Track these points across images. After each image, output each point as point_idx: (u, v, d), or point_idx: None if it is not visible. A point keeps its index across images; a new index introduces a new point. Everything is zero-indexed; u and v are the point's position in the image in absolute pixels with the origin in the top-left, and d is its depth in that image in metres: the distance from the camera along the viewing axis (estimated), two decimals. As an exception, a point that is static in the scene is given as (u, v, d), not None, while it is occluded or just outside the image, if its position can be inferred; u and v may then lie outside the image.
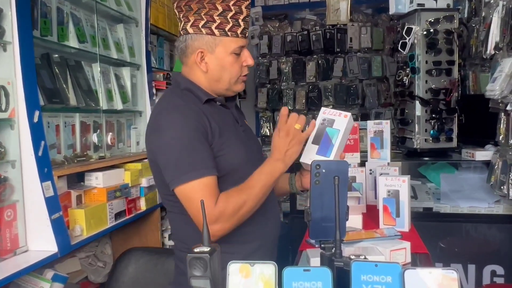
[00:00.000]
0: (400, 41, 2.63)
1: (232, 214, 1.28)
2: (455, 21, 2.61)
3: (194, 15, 1.37)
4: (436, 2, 2.59)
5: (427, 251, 1.51)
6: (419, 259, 1.45)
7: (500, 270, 2.49)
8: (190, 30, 1.37)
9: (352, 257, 0.87)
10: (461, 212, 2.60)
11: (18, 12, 1.54)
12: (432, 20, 2.58)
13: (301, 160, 1.38)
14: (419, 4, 2.57)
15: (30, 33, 1.63)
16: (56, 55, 1.96)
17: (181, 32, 1.40)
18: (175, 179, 1.29)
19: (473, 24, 2.73)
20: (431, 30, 2.57)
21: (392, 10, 2.74)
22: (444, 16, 2.59)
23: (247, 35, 1.41)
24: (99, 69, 2.19)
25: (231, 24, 1.36)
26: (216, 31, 1.36)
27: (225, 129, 1.38)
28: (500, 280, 2.49)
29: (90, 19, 2.19)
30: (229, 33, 1.36)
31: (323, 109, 1.39)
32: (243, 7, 1.38)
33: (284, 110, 1.31)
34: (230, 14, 1.36)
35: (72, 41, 2.04)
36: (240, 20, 1.38)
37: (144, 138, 1.50)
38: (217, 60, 1.38)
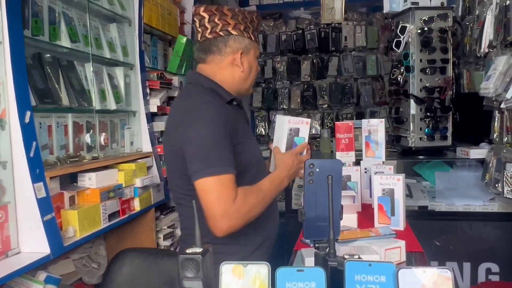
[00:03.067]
0: (395, 40, 2.63)
1: (245, 214, 1.35)
2: (449, 19, 2.62)
3: (232, 19, 1.48)
4: (430, 1, 2.60)
5: (422, 249, 1.51)
6: (414, 258, 1.44)
7: (495, 267, 2.50)
8: (233, 32, 1.49)
9: (346, 256, 0.86)
10: (456, 210, 2.61)
11: (8, 11, 1.52)
12: (426, 19, 2.59)
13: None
14: (413, 3, 2.58)
15: (21, 32, 1.61)
16: (48, 55, 1.94)
17: (220, 33, 1.49)
18: (200, 172, 1.33)
19: (467, 22, 2.74)
20: (425, 29, 2.57)
21: (386, 9, 2.75)
22: (438, 15, 2.59)
23: None
24: (91, 68, 2.17)
25: (257, 33, 1.56)
26: (252, 36, 1.54)
27: (244, 128, 1.51)
28: (495, 278, 2.49)
29: (83, 19, 2.16)
30: (256, 40, 1.55)
31: (286, 118, 1.54)
32: (254, 17, 1.56)
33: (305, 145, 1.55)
34: (255, 24, 1.55)
35: (64, 41, 2.02)
36: (256, 31, 1.56)
37: (164, 133, 1.62)
38: (248, 62, 1.54)
